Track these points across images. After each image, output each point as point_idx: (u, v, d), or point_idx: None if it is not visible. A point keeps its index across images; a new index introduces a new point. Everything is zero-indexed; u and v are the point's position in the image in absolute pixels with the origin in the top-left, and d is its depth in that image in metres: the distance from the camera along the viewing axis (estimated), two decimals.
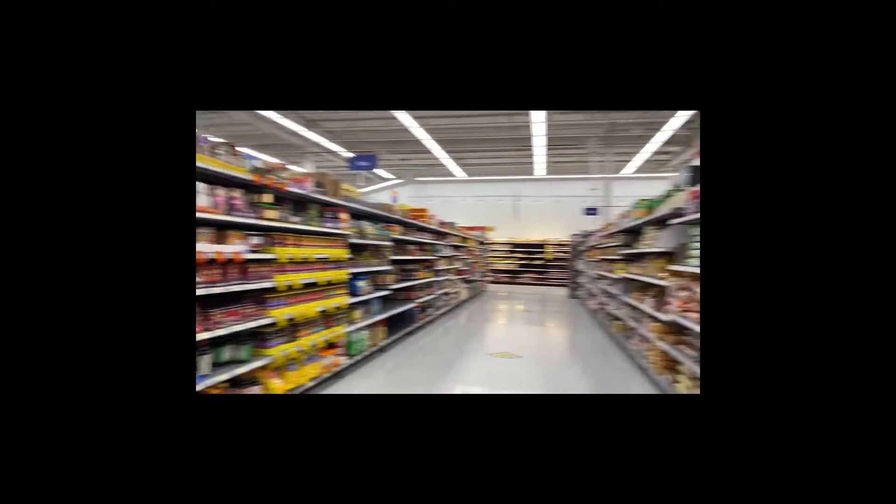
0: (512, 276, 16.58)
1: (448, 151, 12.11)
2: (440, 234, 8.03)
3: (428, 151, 11.83)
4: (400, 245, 5.89)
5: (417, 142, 10.85)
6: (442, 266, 7.89)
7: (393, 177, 15.50)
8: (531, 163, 13.34)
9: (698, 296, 2.62)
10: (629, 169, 13.17)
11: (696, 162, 7.84)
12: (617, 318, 5.79)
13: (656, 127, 9.24)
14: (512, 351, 5.30)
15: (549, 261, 16.10)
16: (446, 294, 8.25)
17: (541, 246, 16.32)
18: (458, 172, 14.91)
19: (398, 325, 5.57)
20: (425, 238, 6.91)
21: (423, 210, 7.11)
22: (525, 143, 11.25)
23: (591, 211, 12.58)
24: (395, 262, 5.47)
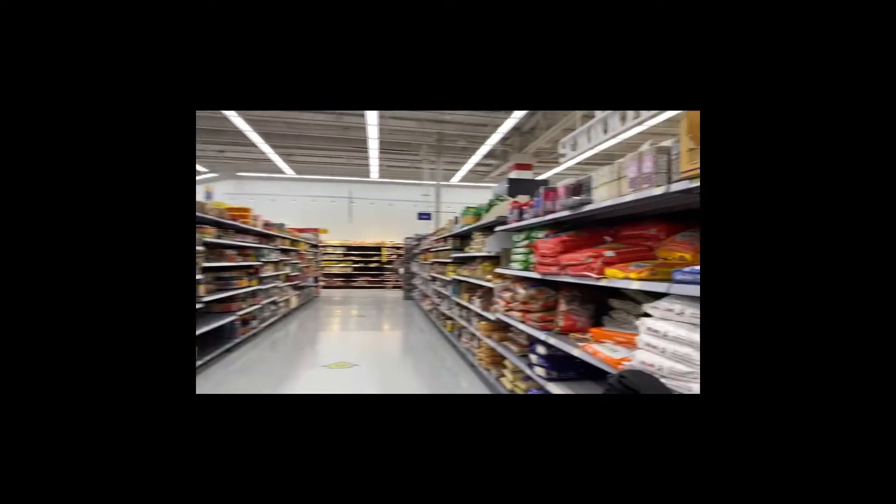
0: (347, 280, 16.20)
1: (274, 146, 11.15)
2: (266, 237, 7.28)
3: (252, 144, 10.68)
4: (214, 250, 5.11)
5: (238, 132, 9.68)
6: (268, 272, 7.17)
7: (206, 170, 13.54)
8: (366, 165, 13.24)
9: (520, 296, 2.87)
10: (457, 177, 14.17)
11: (514, 175, 8.82)
12: (449, 318, 6.10)
13: (480, 140, 10.12)
14: (347, 360, 5.09)
15: (384, 263, 16.23)
16: (274, 303, 7.53)
17: (377, 249, 16.35)
18: (288, 170, 13.87)
19: (213, 343, 4.81)
20: (248, 241, 6.16)
21: (245, 209, 6.32)
22: (359, 145, 11.09)
23: (424, 216, 13.09)
24: (207, 269, 4.71)
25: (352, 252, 16.34)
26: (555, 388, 2.49)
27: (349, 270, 16.30)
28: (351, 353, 5.55)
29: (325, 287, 14.92)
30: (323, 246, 14.66)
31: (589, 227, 2.48)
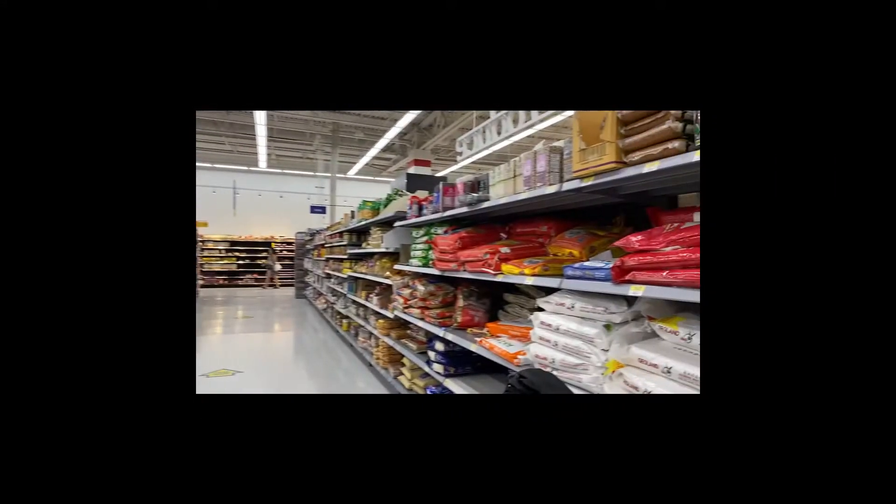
0: (231, 278, 14.81)
1: None
2: None
3: None
4: None
5: None
6: None
7: None
8: (254, 153, 12.19)
9: (419, 293, 2.83)
10: (354, 170, 13.75)
11: (412, 170, 8.80)
12: (345, 317, 5.87)
13: (378, 134, 9.92)
14: (229, 367, 4.61)
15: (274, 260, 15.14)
16: None
17: (266, 244, 15.18)
18: None
19: None
20: None
21: None
22: (245, 132, 10.15)
23: (317, 209, 12.48)
24: None
25: (237, 247, 14.95)
26: (452, 384, 2.50)
27: (233, 267, 14.91)
28: (234, 358, 5.04)
29: (204, 286, 13.45)
30: (202, 241, 13.18)
31: (486, 224, 2.53)
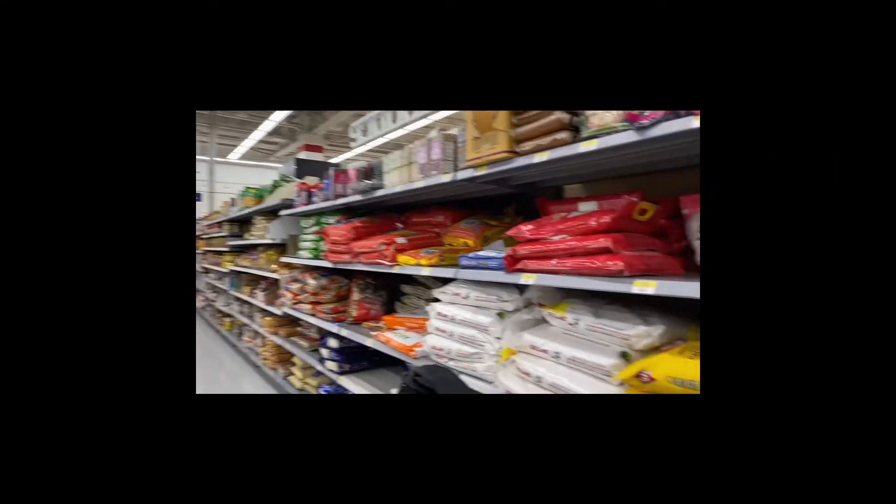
0: None
1: None
2: None
3: None
4: None
5: None
6: None
7: None
8: None
9: (310, 287, 2.64)
10: (236, 154, 12.53)
11: (302, 155, 8.29)
12: (227, 315, 5.34)
13: (263, 115, 9.12)
14: None
15: None
16: None
17: None
18: None
19: None
20: None
21: None
22: None
23: None
24: None
25: None
26: (347, 382, 2.38)
27: None
28: None
29: None
30: None
31: (382, 214, 2.43)
